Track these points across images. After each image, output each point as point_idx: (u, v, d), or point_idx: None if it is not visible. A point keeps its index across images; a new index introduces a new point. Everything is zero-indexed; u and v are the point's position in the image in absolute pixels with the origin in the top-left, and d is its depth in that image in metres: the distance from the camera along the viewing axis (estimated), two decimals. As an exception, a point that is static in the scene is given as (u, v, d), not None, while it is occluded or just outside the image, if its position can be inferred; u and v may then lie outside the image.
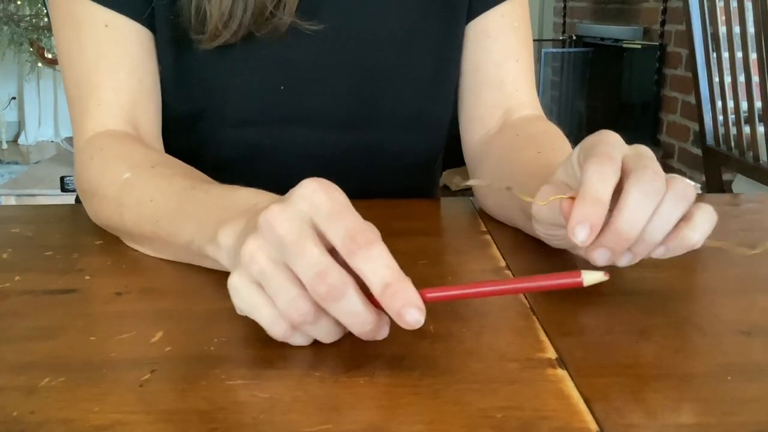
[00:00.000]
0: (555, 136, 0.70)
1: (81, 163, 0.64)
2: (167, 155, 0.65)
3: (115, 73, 0.66)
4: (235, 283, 0.41)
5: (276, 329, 0.40)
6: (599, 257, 0.46)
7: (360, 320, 0.39)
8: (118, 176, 0.59)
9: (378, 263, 0.38)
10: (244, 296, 0.40)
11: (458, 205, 0.74)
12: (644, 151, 0.47)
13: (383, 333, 0.41)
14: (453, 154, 0.86)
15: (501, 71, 0.76)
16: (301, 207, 0.39)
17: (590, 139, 0.49)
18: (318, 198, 0.39)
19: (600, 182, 0.44)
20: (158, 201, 0.55)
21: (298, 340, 0.42)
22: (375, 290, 0.38)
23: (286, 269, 0.39)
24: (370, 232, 0.38)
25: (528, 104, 0.77)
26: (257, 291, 0.40)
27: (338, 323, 0.40)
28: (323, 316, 0.40)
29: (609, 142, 0.47)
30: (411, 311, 0.37)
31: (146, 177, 0.58)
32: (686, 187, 0.45)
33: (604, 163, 0.45)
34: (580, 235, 0.44)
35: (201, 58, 0.69)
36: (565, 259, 0.57)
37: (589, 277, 0.38)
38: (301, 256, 0.38)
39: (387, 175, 0.79)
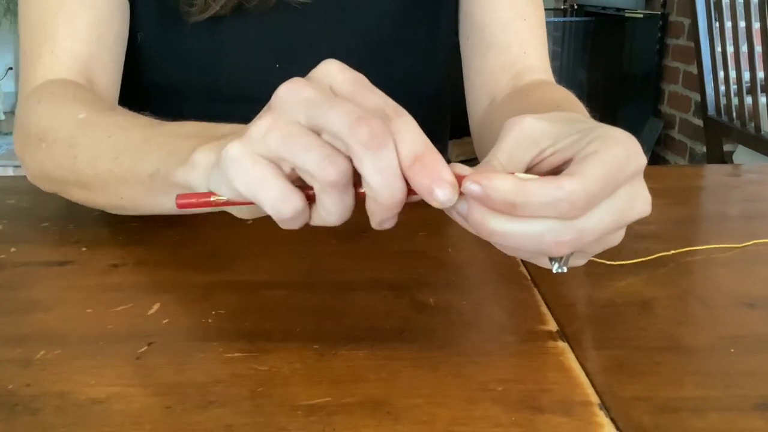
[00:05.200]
0: (571, 100, 0.61)
1: (27, 108, 0.60)
2: None
3: (73, 23, 0.63)
4: (235, 152, 0.35)
5: (286, 205, 0.35)
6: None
7: (392, 182, 0.34)
8: (72, 116, 0.54)
9: (414, 132, 0.34)
10: (248, 168, 0.35)
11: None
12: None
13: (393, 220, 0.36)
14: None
15: (508, 32, 0.70)
16: (324, 81, 0.36)
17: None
18: (341, 75, 0.36)
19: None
20: (118, 136, 0.50)
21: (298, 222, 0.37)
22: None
23: (314, 133, 0.34)
24: (398, 106, 0.35)
25: (538, 68, 0.70)
26: (266, 164, 0.35)
27: (354, 198, 0.36)
28: (350, 186, 0.35)
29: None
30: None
31: (105, 116, 0.53)
32: None
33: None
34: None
35: (191, 31, 0.67)
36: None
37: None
38: (336, 107, 0.34)
39: None
